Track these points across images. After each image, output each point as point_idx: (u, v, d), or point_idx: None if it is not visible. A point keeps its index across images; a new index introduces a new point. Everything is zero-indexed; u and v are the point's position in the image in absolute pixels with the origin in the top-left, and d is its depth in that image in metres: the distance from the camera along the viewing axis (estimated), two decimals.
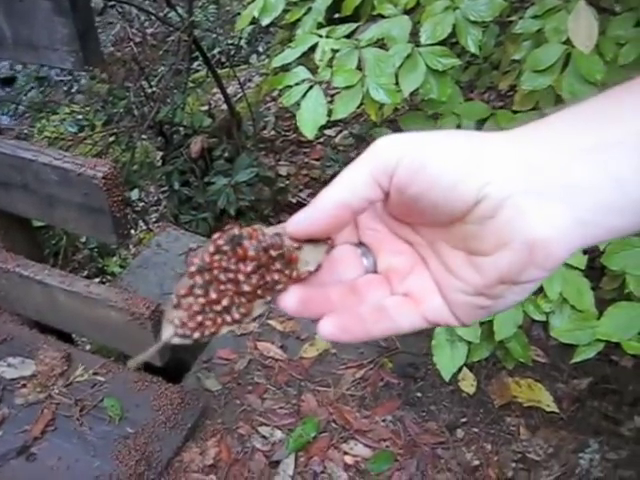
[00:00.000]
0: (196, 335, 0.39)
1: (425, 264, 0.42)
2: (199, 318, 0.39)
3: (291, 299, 0.40)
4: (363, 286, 0.43)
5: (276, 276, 0.40)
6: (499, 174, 0.36)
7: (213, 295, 0.39)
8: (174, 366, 1.60)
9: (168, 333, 0.40)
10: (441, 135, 0.39)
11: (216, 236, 0.40)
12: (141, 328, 1.43)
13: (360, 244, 0.44)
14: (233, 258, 0.39)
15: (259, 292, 0.40)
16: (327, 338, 0.40)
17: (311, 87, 1.48)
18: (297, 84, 1.50)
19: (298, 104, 1.48)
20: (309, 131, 1.45)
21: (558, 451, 1.47)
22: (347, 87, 1.47)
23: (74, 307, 1.51)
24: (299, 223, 0.40)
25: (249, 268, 0.39)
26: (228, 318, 0.40)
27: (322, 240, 0.41)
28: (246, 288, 0.40)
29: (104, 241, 1.51)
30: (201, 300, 0.39)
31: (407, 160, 0.38)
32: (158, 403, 1.52)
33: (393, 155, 0.38)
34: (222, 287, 0.40)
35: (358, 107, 1.53)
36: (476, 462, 1.46)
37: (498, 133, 0.39)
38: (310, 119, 1.45)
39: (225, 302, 0.40)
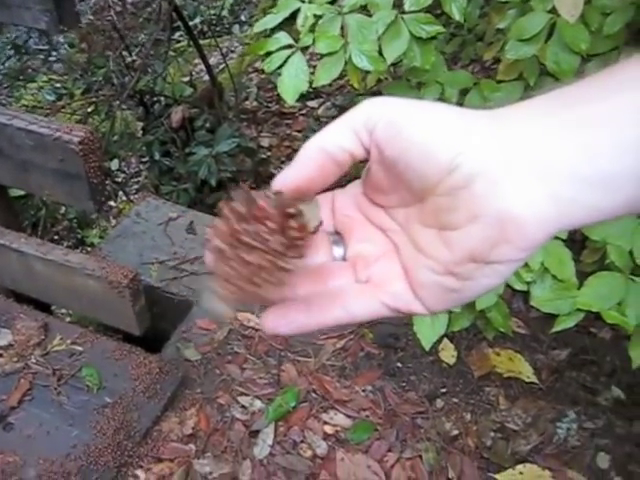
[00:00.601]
0: (241, 300, 0.39)
1: (396, 250, 0.41)
2: (239, 283, 0.38)
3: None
4: (326, 273, 0.42)
5: (296, 233, 0.38)
6: (474, 145, 0.35)
7: (247, 257, 0.38)
8: (153, 336, 1.59)
9: (215, 304, 0.39)
10: (423, 103, 0.38)
11: (227, 201, 0.38)
12: (119, 297, 1.42)
13: (334, 233, 0.44)
14: (252, 219, 0.38)
15: (285, 251, 0.39)
16: (270, 331, 0.40)
17: (293, 53, 1.46)
18: (278, 50, 1.47)
19: (279, 71, 1.46)
20: (290, 97, 1.43)
21: (536, 421, 1.48)
22: (329, 53, 1.45)
23: (51, 276, 1.48)
24: (286, 178, 0.39)
25: (273, 225, 0.38)
26: (272, 278, 0.38)
27: (310, 199, 0.40)
28: (275, 246, 0.38)
29: (81, 208, 1.49)
30: (235, 265, 0.38)
31: (386, 119, 0.38)
32: (137, 373, 1.51)
33: (374, 113, 0.38)
34: (253, 247, 0.38)
35: (341, 77, 1.52)
36: (455, 432, 1.47)
37: (478, 110, 0.38)
38: (291, 85, 1.43)
39: (263, 262, 0.38)
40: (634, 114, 0.33)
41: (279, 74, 1.45)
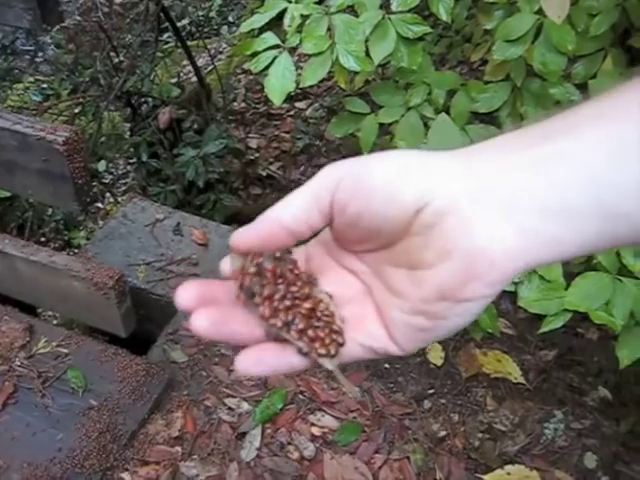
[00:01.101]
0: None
1: (369, 293, 0.41)
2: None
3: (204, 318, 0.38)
4: None
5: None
6: (442, 183, 0.35)
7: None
8: (139, 338, 1.58)
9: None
10: (385, 153, 0.39)
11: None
12: (105, 298, 1.41)
13: None
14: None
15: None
16: (243, 373, 0.38)
17: (280, 53, 1.45)
18: (265, 50, 1.47)
19: (266, 72, 1.46)
20: (277, 98, 1.42)
21: (524, 421, 1.48)
22: (316, 54, 1.44)
23: (35, 277, 1.47)
24: (241, 236, 0.40)
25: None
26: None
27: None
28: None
29: (66, 209, 1.48)
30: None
31: (348, 178, 0.38)
32: (123, 375, 1.50)
33: (334, 176, 0.39)
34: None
35: (329, 79, 1.52)
36: (443, 432, 1.47)
37: (444, 152, 0.38)
38: (278, 85, 1.43)
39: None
40: (598, 150, 0.33)
41: (266, 75, 1.45)
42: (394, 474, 1.40)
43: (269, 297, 0.39)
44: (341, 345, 0.39)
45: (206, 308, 0.38)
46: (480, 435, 1.46)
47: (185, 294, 0.39)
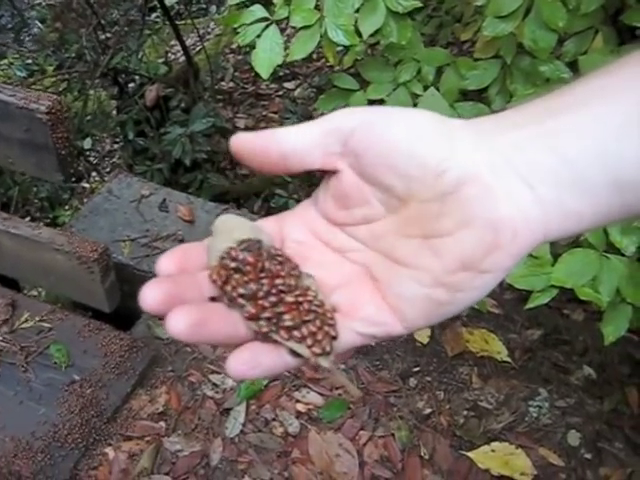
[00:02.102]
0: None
1: (363, 272, 0.38)
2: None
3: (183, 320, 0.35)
4: None
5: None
6: (461, 150, 0.35)
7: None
8: (124, 314, 1.57)
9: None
10: (405, 108, 0.38)
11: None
12: (88, 272, 1.39)
13: None
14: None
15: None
16: (238, 377, 0.35)
17: (267, 26, 1.43)
18: (253, 23, 1.45)
19: (253, 43, 1.44)
20: (265, 71, 1.40)
21: (509, 399, 1.48)
22: (305, 27, 1.43)
23: (18, 251, 1.45)
24: (240, 139, 0.38)
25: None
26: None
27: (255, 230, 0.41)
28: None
29: (49, 179, 1.46)
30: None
31: (365, 126, 0.37)
32: (106, 350, 1.49)
33: (349, 122, 0.37)
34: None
35: (318, 59, 1.50)
36: (428, 410, 1.47)
37: (461, 120, 0.37)
38: (266, 59, 1.41)
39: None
40: (606, 124, 0.34)
41: (253, 47, 1.43)
42: (379, 450, 1.39)
43: (253, 296, 0.36)
44: (334, 338, 0.36)
45: (182, 308, 0.34)
46: (465, 413, 1.46)
47: (151, 294, 0.35)
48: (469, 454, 1.38)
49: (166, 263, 0.37)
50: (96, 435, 1.38)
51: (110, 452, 1.37)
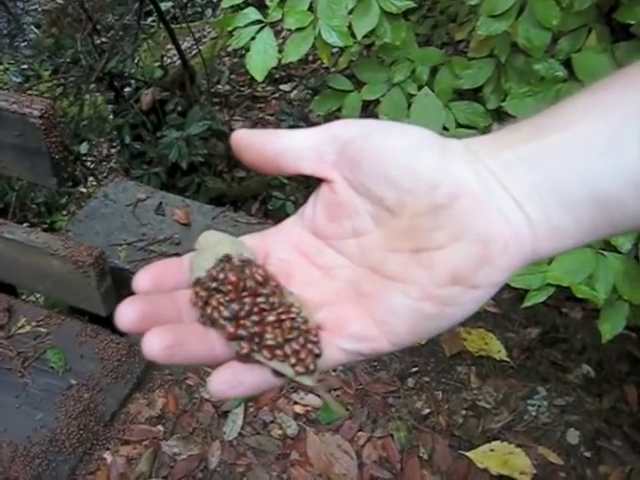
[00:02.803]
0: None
1: (348, 289, 0.38)
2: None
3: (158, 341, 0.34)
4: None
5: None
6: (456, 165, 0.35)
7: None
8: None
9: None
10: (400, 124, 0.38)
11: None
12: (84, 276, 1.39)
13: None
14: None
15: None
16: (219, 396, 0.36)
17: (261, 29, 1.43)
18: (247, 26, 1.45)
19: (248, 46, 1.44)
20: (259, 74, 1.40)
21: (507, 398, 1.48)
22: (298, 29, 1.43)
23: (14, 256, 1.45)
24: (240, 134, 0.39)
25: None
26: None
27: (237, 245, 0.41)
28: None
29: (43, 184, 1.45)
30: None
31: (362, 137, 0.37)
32: (103, 354, 1.48)
33: (346, 132, 0.38)
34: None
35: (313, 61, 1.50)
36: (427, 410, 1.46)
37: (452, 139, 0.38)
38: (260, 61, 1.41)
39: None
40: (589, 145, 0.34)
41: (247, 50, 1.43)
42: (378, 452, 1.39)
43: (234, 316, 0.36)
44: (318, 356, 0.36)
45: (157, 330, 0.34)
46: (464, 412, 1.46)
47: (127, 313, 0.35)
48: (468, 454, 1.37)
49: (143, 280, 0.37)
50: (94, 440, 1.38)
51: (108, 457, 1.37)
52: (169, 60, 3.54)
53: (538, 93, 1.36)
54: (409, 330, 0.36)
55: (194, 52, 3.53)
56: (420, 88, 1.50)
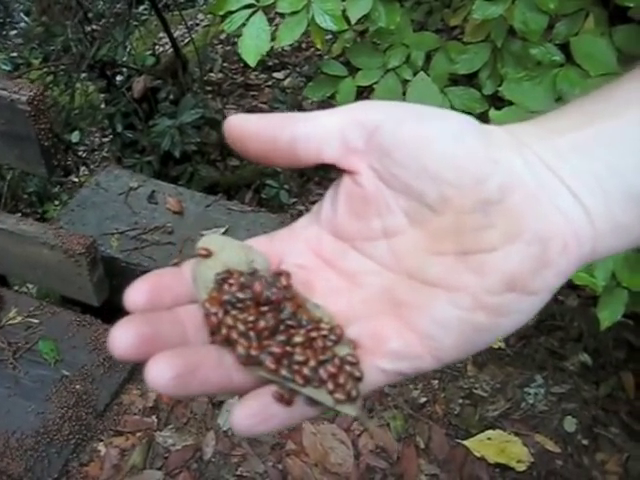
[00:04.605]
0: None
1: (382, 300, 0.33)
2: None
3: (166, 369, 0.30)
4: None
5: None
6: (502, 154, 0.31)
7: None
8: (113, 307, 1.54)
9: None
10: (434, 107, 0.33)
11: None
12: (76, 266, 1.37)
13: None
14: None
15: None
16: (245, 434, 0.30)
17: (254, 13, 1.41)
18: (239, 10, 1.42)
19: (240, 32, 1.41)
20: (251, 59, 1.38)
21: (504, 386, 1.47)
22: (292, 13, 1.40)
23: (4, 245, 1.43)
24: (246, 122, 0.34)
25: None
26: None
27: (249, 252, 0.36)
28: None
29: (33, 172, 1.43)
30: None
31: (395, 119, 0.32)
32: (96, 345, 1.46)
33: (374, 114, 0.33)
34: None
35: (307, 48, 1.49)
36: (423, 399, 1.45)
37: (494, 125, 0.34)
38: (253, 46, 1.38)
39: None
40: None
41: (240, 35, 1.41)
42: (374, 441, 1.38)
43: (256, 335, 0.30)
44: (359, 380, 0.31)
45: (163, 355, 0.29)
46: (460, 401, 1.45)
47: (123, 338, 0.29)
48: (465, 442, 1.36)
49: (137, 296, 0.32)
50: (87, 431, 1.36)
51: (101, 448, 1.35)
52: (161, 49, 3.51)
53: (535, 78, 1.34)
54: (457, 344, 0.31)
55: (187, 40, 3.50)
56: (415, 74, 1.48)
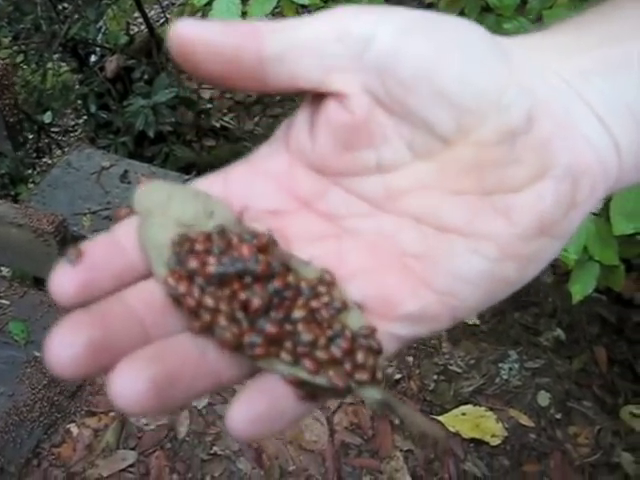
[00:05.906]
0: None
1: (378, 248, 0.27)
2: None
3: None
4: None
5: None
6: (525, 75, 0.26)
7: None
8: None
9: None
10: (443, 16, 0.27)
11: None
12: (45, 245, 1.35)
13: None
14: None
15: None
16: (245, 438, 0.24)
17: None
18: None
19: (210, 5, 1.39)
20: None
21: (479, 362, 1.47)
22: None
23: None
24: (194, 30, 0.25)
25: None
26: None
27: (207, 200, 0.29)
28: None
29: None
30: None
31: (396, 30, 0.25)
32: None
33: (368, 23, 0.26)
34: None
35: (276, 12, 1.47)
36: (398, 375, 1.45)
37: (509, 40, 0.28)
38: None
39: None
40: None
41: (210, 7, 1.38)
42: (349, 418, 1.38)
43: (248, 317, 0.24)
44: (379, 353, 0.25)
45: (129, 366, 0.22)
46: (435, 377, 1.45)
47: (66, 352, 0.23)
48: (440, 418, 1.37)
49: (64, 284, 0.25)
50: (59, 412, 1.35)
51: (74, 429, 1.34)
52: (136, 29, 3.46)
53: None
54: (479, 300, 0.27)
55: (162, 21, 3.45)
56: None
